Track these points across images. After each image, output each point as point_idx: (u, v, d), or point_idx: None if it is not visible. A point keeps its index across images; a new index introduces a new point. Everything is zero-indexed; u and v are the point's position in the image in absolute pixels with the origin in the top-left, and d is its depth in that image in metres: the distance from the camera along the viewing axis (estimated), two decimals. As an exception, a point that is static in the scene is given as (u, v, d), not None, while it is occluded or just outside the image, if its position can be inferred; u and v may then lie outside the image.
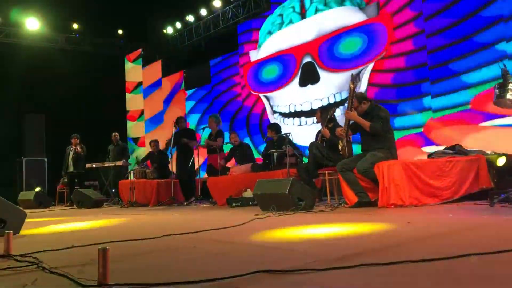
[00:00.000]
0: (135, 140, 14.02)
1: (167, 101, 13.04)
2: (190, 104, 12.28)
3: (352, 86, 5.18)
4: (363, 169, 4.80)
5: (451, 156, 5.17)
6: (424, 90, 7.15)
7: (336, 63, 8.43)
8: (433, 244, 2.33)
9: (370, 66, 7.89)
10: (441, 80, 6.93)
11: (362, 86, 7.94)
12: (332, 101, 8.37)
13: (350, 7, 8.28)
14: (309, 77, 8.89)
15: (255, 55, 10.25)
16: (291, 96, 9.31)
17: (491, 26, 6.37)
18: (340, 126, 5.69)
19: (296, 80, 9.18)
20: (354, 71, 8.01)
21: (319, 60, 8.73)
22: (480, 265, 1.71)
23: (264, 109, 10.03)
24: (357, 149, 5.55)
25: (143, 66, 14.07)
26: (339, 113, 7.76)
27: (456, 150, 5.43)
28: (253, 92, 10.23)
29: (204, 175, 8.75)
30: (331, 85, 8.45)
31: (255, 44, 10.36)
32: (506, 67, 4.11)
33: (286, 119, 9.39)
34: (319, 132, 6.14)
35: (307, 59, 8.96)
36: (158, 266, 2.04)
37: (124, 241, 2.86)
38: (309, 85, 8.91)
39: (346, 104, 7.47)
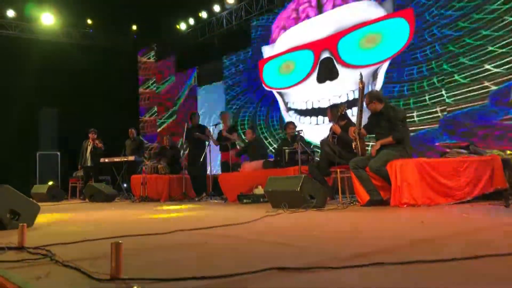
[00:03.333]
0: (148, 136, 14.09)
1: (180, 97, 13.08)
2: (203, 100, 12.30)
3: (361, 85, 5.13)
4: (375, 168, 4.76)
5: (465, 156, 5.11)
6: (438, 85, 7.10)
7: (356, 59, 8.31)
8: (446, 244, 2.30)
9: (387, 64, 7.80)
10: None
11: (378, 83, 7.86)
12: (351, 97, 8.25)
13: (369, 2, 8.16)
14: (328, 73, 8.79)
15: (269, 51, 10.17)
16: (308, 93, 9.18)
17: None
18: (354, 124, 5.64)
19: (314, 76, 9.06)
20: (372, 68, 7.94)
21: (338, 55, 8.61)
22: (495, 266, 1.68)
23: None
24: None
25: (156, 61, 14.13)
26: (351, 112, 7.70)
27: (471, 149, 5.36)
28: (267, 88, 10.17)
29: (216, 171, 8.77)
30: (350, 82, 8.32)
31: (268, 40, 10.32)
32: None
33: (302, 117, 9.28)
34: (331, 128, 6.09)
35: (326, 54, 8.85)
36: (170, 261, 2.04)
37: (136, 236, 2.87)
38: (328, 81, 8.80)
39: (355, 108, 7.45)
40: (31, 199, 3.97)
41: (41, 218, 4.00)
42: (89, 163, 9.95)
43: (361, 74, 5.26)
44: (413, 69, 7.43)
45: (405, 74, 7.54)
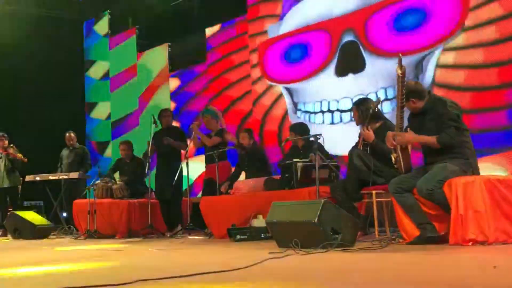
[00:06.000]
0: (99, 145, 14.05)
1: (145, 87, 13.07)
2: (177, 91, 12.30)
3: (400, 72, 5.07)
4: (426, 190, 4.75)
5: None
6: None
7: (390, 44, 8.29)
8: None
9: (437, 53, 7.79)
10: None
11: (427, 79, 7.82)
12: (382, 98, 8.18)
13: None
14: (351, 63, 8.79)
15: (276, 30, 10.17)
16: (323, 90, 9.17)
17: None
18: (393, 127, 5.62)
19: (332, 67, 9.05)
20: (415, 57, 7.90)
21: (366, 39, 8.61)
22: None
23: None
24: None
25: (111, 36, 14.11)
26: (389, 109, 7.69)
27: None
28: (271, 83, 10.15)
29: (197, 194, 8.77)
30: (381, 75, 8.30)
31: (270, 5, 10.32)
32: None
33: (312, 115, 9.31)
34: (361, 133, 6.09)
35: (348, 37, 8.84)
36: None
37: (79, 289, 2.85)
38: (350, 75, 8.79)
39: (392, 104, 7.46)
40: None
41: None
42: (6, 184, 9.83)
43: (400, 57, 5.24)
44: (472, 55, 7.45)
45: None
